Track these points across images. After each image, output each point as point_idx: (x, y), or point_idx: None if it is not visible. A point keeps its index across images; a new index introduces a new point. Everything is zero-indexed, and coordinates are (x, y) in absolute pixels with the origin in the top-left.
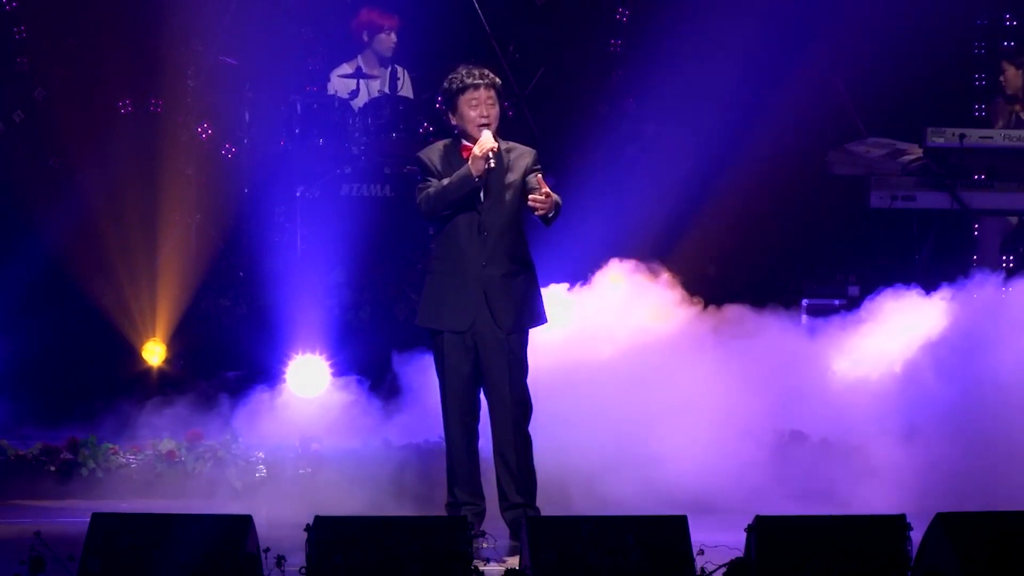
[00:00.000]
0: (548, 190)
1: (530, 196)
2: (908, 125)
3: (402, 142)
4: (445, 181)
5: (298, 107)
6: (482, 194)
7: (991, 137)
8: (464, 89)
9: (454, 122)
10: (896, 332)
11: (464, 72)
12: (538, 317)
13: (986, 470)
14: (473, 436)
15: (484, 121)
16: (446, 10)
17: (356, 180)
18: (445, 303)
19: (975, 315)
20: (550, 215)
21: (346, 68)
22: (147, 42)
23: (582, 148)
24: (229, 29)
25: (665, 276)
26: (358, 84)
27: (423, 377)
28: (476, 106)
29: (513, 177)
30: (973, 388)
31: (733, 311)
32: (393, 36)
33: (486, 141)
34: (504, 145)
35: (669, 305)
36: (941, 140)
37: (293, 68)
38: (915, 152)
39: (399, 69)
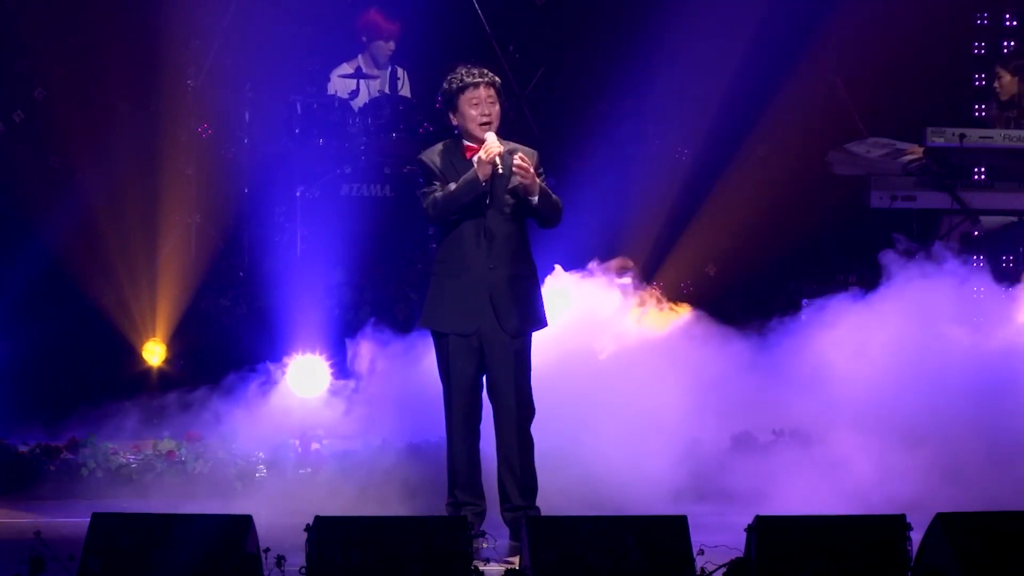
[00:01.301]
0: (533, 173)
1: (514, 165)
2: (908, 125)
3: (402, 142)
4: (452, 187)
5: (298, 107)
6: (487, 197)
7: (991, 137)
8: (464, 88)
9: (455, 122)
10: (838, 336)
11: (464, 71)
12: (540, 321)
13: (938, 472)
14: (476, 438)
15: (485, 120)
16: (446, 10)
17: (356, 180)
18: (450, 306)
19: (910, 313)
20: (534, 199)
21: (346, 68)
22: (147, 42)
23: (582, 148)
24: (229, 29)
25: (628, 276)
26: (358, 84)
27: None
28: (477, 105)
29: (517, 180)
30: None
31: (686, 317)
32: (391, 44)
33: (492, 146)
34: (507, 146)
35: (617, 306)
36: (941, 140)
37: (293, 68)
38: (915, 152)
39: (399, 69)
